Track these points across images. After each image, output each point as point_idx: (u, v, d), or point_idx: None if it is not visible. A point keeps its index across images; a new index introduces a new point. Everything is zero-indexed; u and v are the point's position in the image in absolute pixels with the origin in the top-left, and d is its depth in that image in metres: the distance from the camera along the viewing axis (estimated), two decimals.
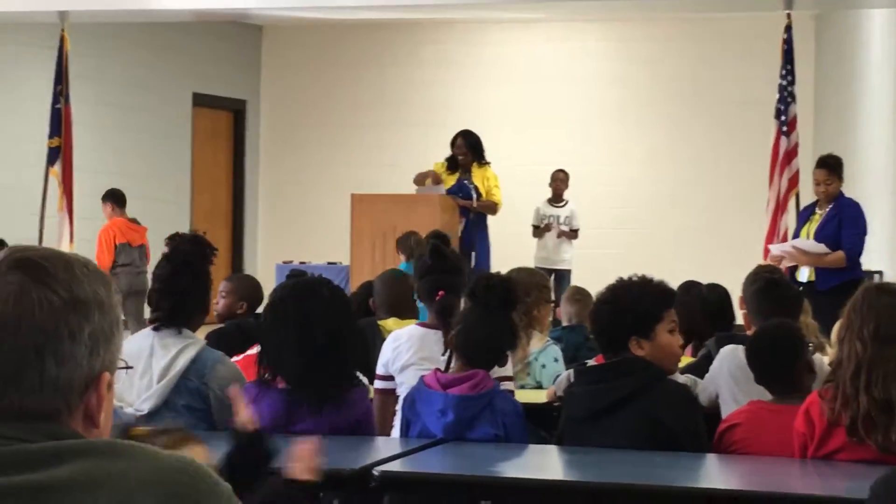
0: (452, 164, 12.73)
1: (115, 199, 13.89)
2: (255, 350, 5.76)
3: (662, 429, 4.58)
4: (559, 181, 14.69)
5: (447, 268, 5.83)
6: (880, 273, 11.17)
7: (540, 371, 6.65)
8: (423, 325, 5.81)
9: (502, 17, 17.56)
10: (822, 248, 9.73)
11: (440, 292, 5.67)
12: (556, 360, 6.70)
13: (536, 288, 6.87)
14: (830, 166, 10.07)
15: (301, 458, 3.58)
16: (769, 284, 5.96)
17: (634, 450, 4.53)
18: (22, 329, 1.80)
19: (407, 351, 5.68)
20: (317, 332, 4.81)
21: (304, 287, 4.96)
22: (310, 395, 4.84)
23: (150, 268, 13.70)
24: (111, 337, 1.89)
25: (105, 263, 13.20)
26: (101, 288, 1.89)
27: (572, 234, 14.48)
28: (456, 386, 4.90)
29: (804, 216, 10.32)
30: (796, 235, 10.24)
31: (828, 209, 9.98)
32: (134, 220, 13.89)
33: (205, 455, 3.36)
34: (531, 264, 13.17)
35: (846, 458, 4.31)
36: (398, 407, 5.50)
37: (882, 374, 4.25)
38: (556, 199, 14.65)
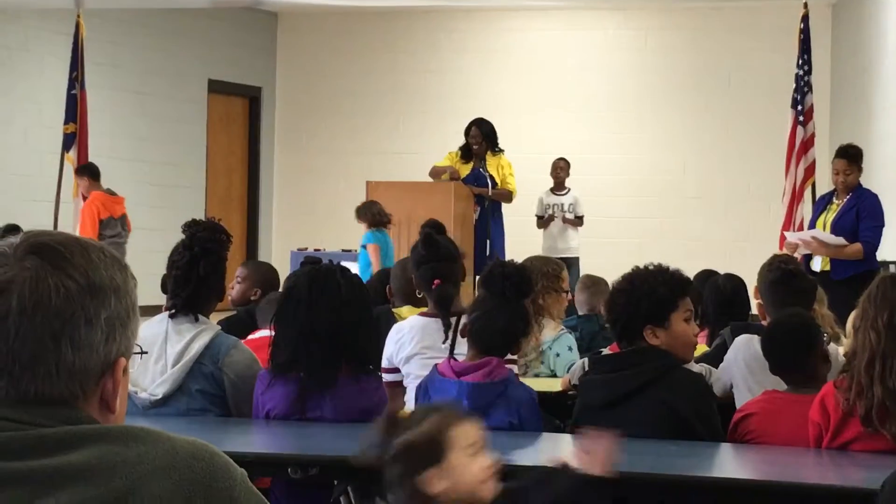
0: (467, 152, 12.74)
1: (91, 172, 13.64)
2: (257, 335, 5.77)
3: (677, 418, 4.58)
4: (559, 169, 14.67)
5: (441, 256, 5.83)
6: (895, 263, 11.14)
7: (554, 360, 6.65)
8: (424, 314, 5.80)
9: (519, 5, 17.54)
10: (841, 240, 9.71)
11: (436, 281, 5.67)
12: (570, 348, 6.70)
13: (545, 277, 6.86)
14: (851, 156, 10.03)
15: (595, 453, 3.41)
16: (785, 275, 5.94)
17: (649, 439, 4.52)
18: (38, 315, 1.80)
19: (410, 342, 5.68)
20: (327, 321, 4.81)
21: (316, 275, 4.96)
22: (322, 382, 4.84)
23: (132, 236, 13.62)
24: (127, 322, 1.89)
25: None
26: (118, 273, 1.89)
27: (577, 220, 14.44)
28: (470, 374, 4.89)
29: (821, 205, 10.27)
30: (812, 224, 10.21)
31: (846, 199, 9.94)
32: (109, 191, 13.68)
33: (477, 432, 3.24)
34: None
35: (861, 449, 4.31)
36: (406, 398, 5.51)
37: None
38: (558, 187, 14.62)
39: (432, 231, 6.01)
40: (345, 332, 4.84)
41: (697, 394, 4.72)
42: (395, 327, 5.85)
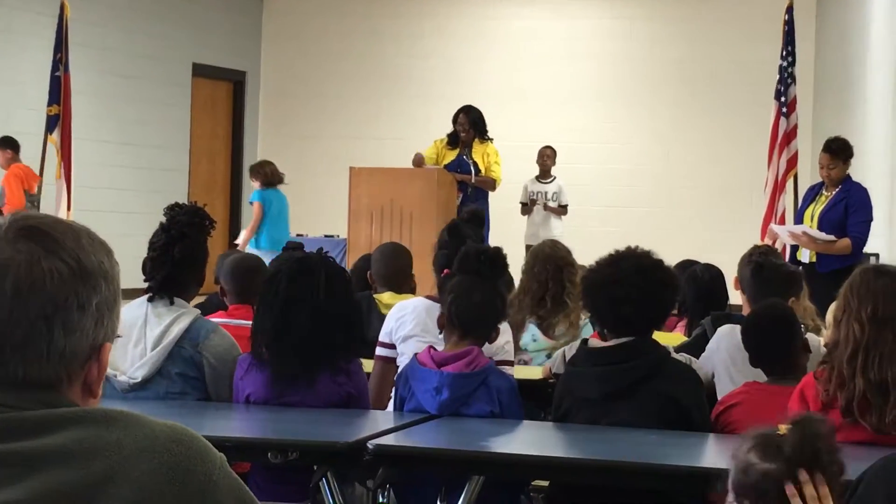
0: (454, 139, 12.72)
1: (13, 146, 13.72)
2: (228, 321, 5.75)
3: (677, 407, 4.57)
4: (546, 157, 14.66)
5: (459, 247, 5.83)
6: (877, 255, 11.16)
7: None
8: (430, 297, 5.79)
9: None
10: (830, 237, 9.73)
11: (445, 270, 5.68)
12: None
13: (568, 263, 6.89)
14: (834, 151, 10.01)
15: None
16: (764, 266, 5.96)
17: (648, 429, 4.51)
18: (32, 299, 1.81)
19: (410, 322, 5.67)
20: (311, 309, 4.81)
21: (300, 263, 4.95)
22: (302, 367, 4.84)
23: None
24: (113, 307, 1.89)
25: (18, 208, 13.10)
26: (105, 258, 1.89)
27: (560, 209, 14.44)
28: (450, 364, 4.88)
29: (809, 196, 10.26)
30: (800, 214, 10.22)
31: (835, 192, 9.95)
32: (28, 167, 13.73)
33: None
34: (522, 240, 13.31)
35: (841, 440, 4.29)
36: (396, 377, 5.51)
37: (878, 355, 4.25)
38: (544, 175, 14.62)
39: (461, 221, 6.04)
40: (326, 323, 4.83)
41: (692, 383, 4.74)
42: (398, 305, 5.85)
